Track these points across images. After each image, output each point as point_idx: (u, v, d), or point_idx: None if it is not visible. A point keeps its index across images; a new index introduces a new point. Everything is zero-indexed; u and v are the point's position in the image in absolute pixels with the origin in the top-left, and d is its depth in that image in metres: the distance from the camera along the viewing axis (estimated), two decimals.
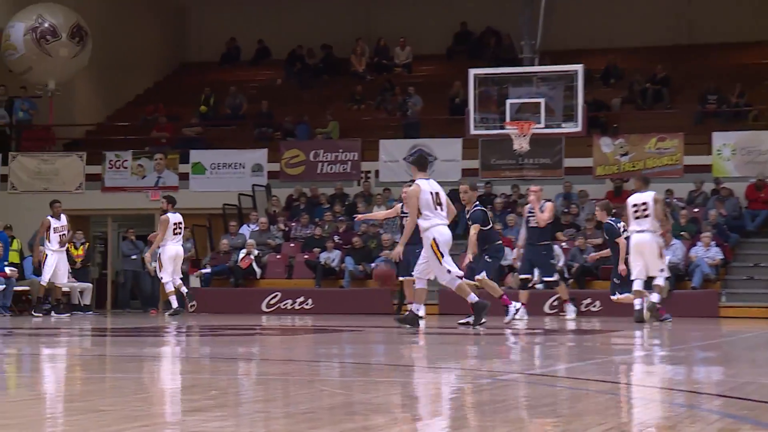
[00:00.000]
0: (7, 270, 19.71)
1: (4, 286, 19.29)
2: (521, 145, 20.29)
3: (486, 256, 14.75)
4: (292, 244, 22.77)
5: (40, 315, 18.50)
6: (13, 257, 21.03)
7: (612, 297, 15.78)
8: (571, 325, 15.33)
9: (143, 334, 13.41)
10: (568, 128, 20.48)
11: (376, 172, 24.28)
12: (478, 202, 14.86)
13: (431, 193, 12.62)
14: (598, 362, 8.77)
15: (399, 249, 13.18)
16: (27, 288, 20.20)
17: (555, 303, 19.62)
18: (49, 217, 18.92)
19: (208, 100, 27.56)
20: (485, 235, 14.72)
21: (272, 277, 22.03)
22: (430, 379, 7.28)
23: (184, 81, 30.37)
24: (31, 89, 26.13)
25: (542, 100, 20.23)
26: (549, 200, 17.48)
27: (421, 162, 13.18)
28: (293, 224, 23.26)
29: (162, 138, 26.34)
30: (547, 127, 20.32)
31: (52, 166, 25.21)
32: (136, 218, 25.17)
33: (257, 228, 22.79)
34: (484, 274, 14.67)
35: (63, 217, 18.92)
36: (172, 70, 31.62)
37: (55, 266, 18.78)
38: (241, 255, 21.83)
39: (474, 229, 14.58)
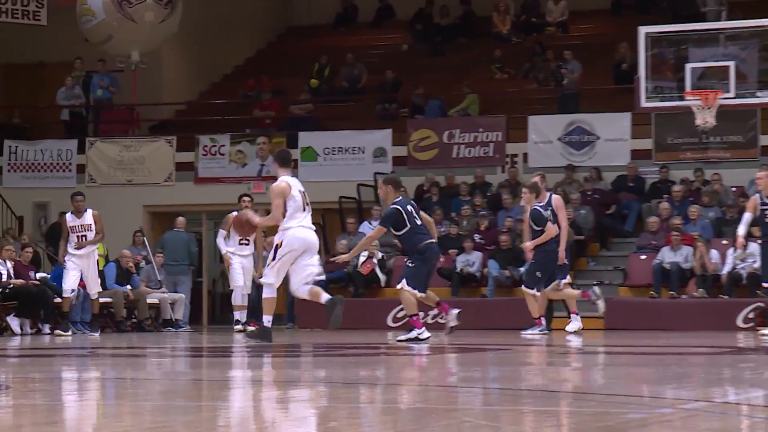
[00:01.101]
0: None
1: (74, 292, 19.54)
2: (705, 119, 19.97)
3: (408, 262, 15.27)
4: None
5: (67, 334, 18.42)
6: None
7: (529, 291, 16.97)
8: None
9: (244, 355, 13.64)
10: (765, 98, 20.09)
11: (525, 155, 24.19)
12: (400, 198, 15.22)
13: (299, 192, 13.75)
14: None
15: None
16: (109, 300, 20.70)
17: (751, 315, 19.30)
18: (68, 214, 18.79)
19: (321, 72, 27.82)
20: (405, 238, 15.13)
21: None
22: (595, 409, 7.25)
23: (291, 49, 30.70)
24: (111, 62, 26.69)
25: (732, 64, 19.86)
26: None
27: (284, 157, 14.37)
28: None
29: (266, 118, 26.69)
30: (737, 96, 19.94)
31: (136, 153, 25.75)
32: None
33: None
34: (404, 282, 15.11)
35: (88, 213, 18.58)
36: (276, 36, 31.99)
37: (79, 274, 18.59)
38: (362, 259, 22.00)
39: (375, 231, 15.27)
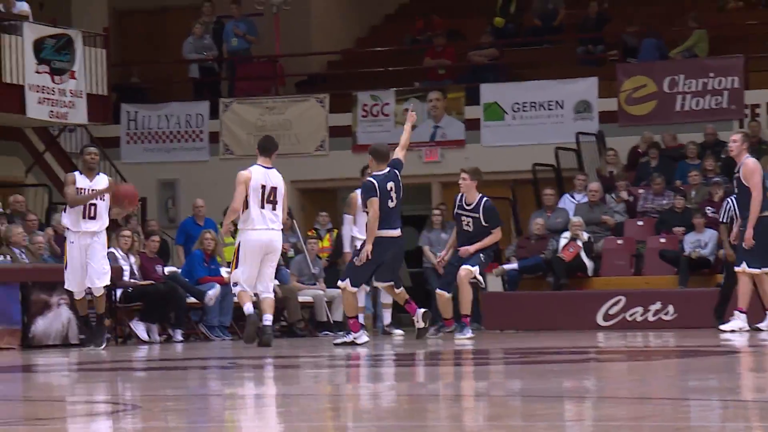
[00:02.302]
0: (224, 273, 20.55)
1: (214, 292, 20.00)
2: None
3: (354, 257, 16.63)
4: (640, 222, 22.71)
5: (91, 346, 16.99)
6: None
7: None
8: None
9: (425, 364, 13.78)
10: None
11: None
12: (383, 171, 16.29)
13: (263, 186, 16.19)
14: None
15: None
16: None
17: None
18: (76, 173, 17.20)
19: (506, 7, 27.79)
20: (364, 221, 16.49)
21: (612, 274, 22.06)
22: None
23: None
24: (248, 5, 27.08)
25: None
26: None
27: (262, 145, 16.86)
28: (641, 191, 23.18)
29: (439, 68, 26.80)
30: None
31: (280, 116, 26.09)
32: (406, 190, 25.70)
33: (586, 199, 22.87)
34: (347, 281, 16.43)
35: (102, 177, 17.02)
36: None
37: (85, 261, 16.70)
38: (563, 241, 21.98)
39: (369, 207, 16.23)
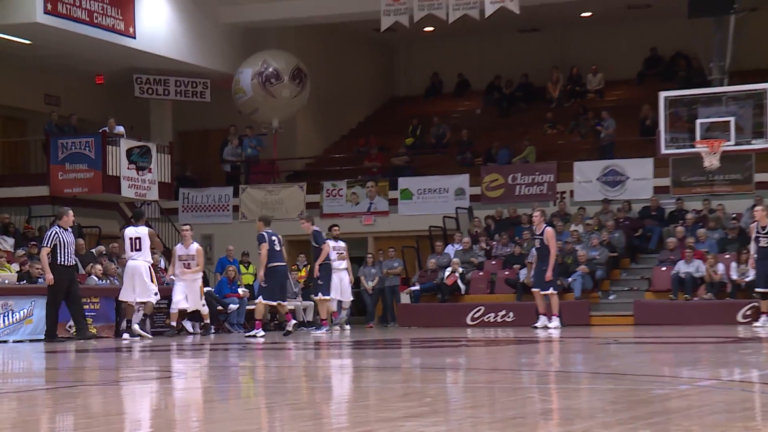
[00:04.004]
0: (240, 291, 20.54)
1: (237, 305, 20.08)
2: (711, 162, 19.67)
3: (262, 282, 16.26)
4: (493, 262, 22.73)
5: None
6: (248, 279, 21.85)
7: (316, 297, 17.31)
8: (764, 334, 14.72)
9: (361, 347, 13.69)
10: (758, 144, 19.72)
11: (571, 192, 23.98)
12: (268, 230, 16.16)
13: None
14: None
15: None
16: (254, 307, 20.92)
17: (748, 312, 18.90)
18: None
19: (415, 131, 27.87)
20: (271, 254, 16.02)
21: (476, 293, 22.04)
22: (629, 386, 7.15)
23: (393, 114, 30.83)
24: (257, 128, 27.07)
25: (732, 119, 19.54)
26: None
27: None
28: (494, 243, 23.23)
29: (373, 167, 26.80)
30: (737, 144, 19.62)
31: (276, 196, 26.02)
32: (351, 241, 25.61)
33: (461, 247, 22.87)
34: (260, 297, 16.16)
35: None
36: (381, 104, 32.15)
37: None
38: (447, 273, 21.96)
39: (262, 249, 15.96)
